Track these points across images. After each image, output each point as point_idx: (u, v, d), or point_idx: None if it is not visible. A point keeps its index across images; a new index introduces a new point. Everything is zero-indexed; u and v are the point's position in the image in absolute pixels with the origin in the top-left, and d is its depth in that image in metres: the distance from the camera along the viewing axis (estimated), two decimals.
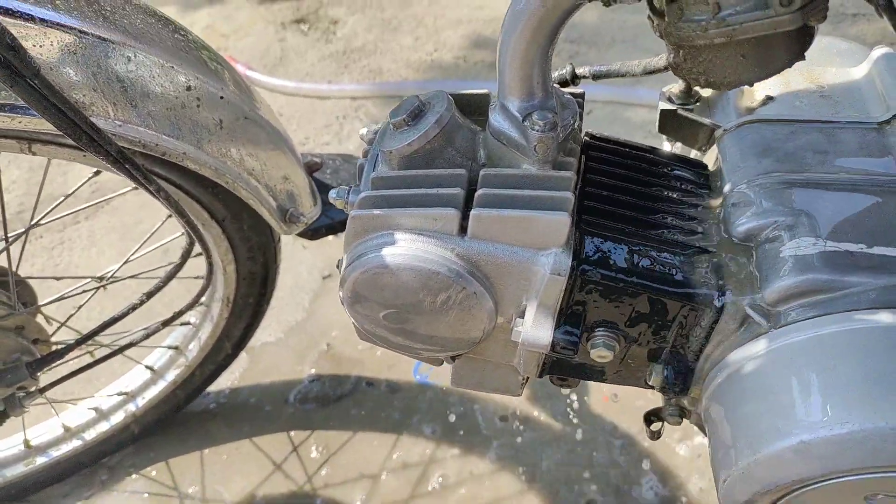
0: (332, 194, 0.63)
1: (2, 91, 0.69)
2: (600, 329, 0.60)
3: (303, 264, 1.59)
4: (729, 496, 0.54)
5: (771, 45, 0.46)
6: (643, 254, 0.58)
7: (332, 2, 2.31)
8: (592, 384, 1.31)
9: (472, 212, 0.56)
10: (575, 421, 1.26)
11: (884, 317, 0.50)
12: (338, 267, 0.69)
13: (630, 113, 1.81)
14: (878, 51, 0.68)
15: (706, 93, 0.70)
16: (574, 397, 1.30)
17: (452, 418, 1.29)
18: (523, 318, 0.60)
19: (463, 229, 0.58)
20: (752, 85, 0.51)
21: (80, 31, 0.71)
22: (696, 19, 0.45)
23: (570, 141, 0.59)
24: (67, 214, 1.06)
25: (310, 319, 1.48)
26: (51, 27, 0.70)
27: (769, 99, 0.67)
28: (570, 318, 0.60)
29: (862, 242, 0.53)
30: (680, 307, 0.57)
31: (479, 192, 0.57)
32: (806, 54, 0.66)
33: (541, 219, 0.55)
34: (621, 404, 1.26)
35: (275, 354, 1.43)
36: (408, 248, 0.57)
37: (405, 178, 0.59)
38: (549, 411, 1.29)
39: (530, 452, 1.23)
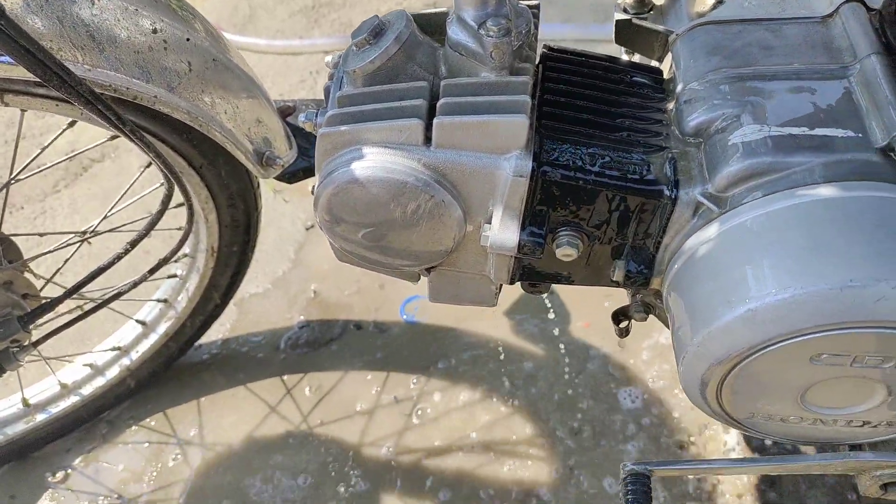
0: (300, 118, 0.65)
1: None
2: (564, 228, 0.63)
3: (285, 217, 1.61)
4: (688, 374, 0.58)
5: None
6: (601, 153, 0.61)
7: None
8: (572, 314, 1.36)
9: (435, 120, 0.59)
10: (560, 347, 1.31)
11: (824, 190, 0.53)
12: (312, 192, 0.72)
13: (600, 49, 1.83)
14: None
15: (659, 1, 0.73)
16: (556, 332, 1.34)
17: (446, 356, 1.33)
18: (491, 223, 0.63)
19: (428, 139, 0.60)
20: None
21: None
22: None
23: (525, 48, 0.61)
24: (49, 167, 1.07)
25: (296, 269, 1.51)
26: None
27: (719, 2, 0.69)
28: (535, 219, 0.63)
29: (804, 126, 0.57)
30: (637, 202, 0.60)
31: (441, 101, 0.59)
32: None
33: (500, 122, 0.57)
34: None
35: (263, 304, 1.46)
36: (376, 161, 0.60)
37: (369, 94, 0.61)
38: (533, 341, 1.33)
39: (518, 378, 1.28)
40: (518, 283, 0.73)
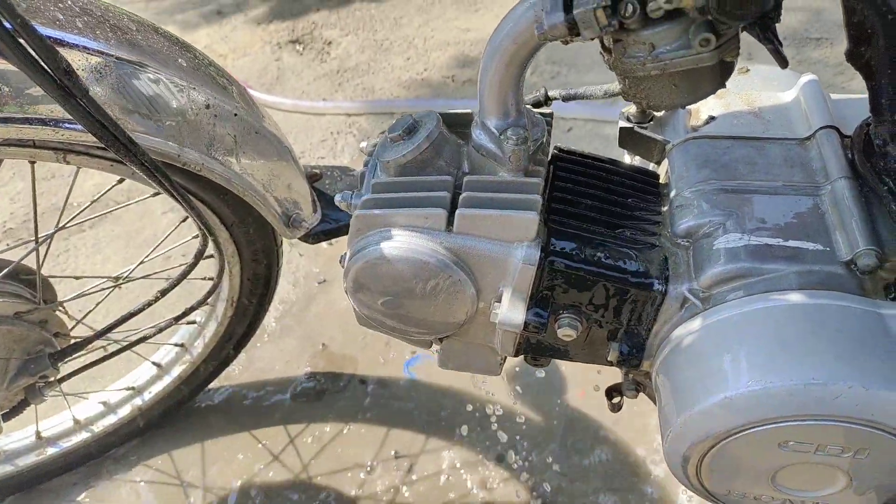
0: (337, 198, 0.74)
1: (42, 106, 0.79)
2: (566, 312, 0.71)
3: (300, 270, 1.69)
4: (671, 450, 0.65)
5: (697, 77, 0.58)
6: (601, 248, 0.69)
7: (327, 24, 2.43)
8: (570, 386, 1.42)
9: (458, 211, 0.67)
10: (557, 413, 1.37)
11: (793, 297, 0.61)
12: (341, 262, 0.79)
13: (608, 130, 1.94)
14: (805, 77, 0.80)
15: (659, 113, 0.82)
16: (554, 397, 1.40)
17: (443, 413, 1.38)
18: (500, 302, 0.70)
19: (449, 226, 0.68)
20: (684, 108, 0.62)
21: (114, 58, 0.82)
22: (636, 56, 0.57)
23: (539, 153, 0.70)
24: (90, 219, 1.15)
25: (306, 321, 1.58)
26: (91, 54, 0.80)
27: (712, 118, 0.78)
28: (540, 302, 0.70)
29: (779, 237, 0.65)
30: (631, 293, 0.68)
31: (464, 194, 0.68)
32: (746, 80, 0.78)
33: (514, 217, 0.66)
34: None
35: (273, 353, 1.52)
36: (402, 242, 0.68)
37: (400, 184, 0.70)
38: (531, 406, 1.39)
39: (514, 440, 1.33)
40: (521, 357, 0.80)
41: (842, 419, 0.57)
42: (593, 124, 1.94)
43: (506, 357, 0.81)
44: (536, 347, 0.77)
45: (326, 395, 1.43)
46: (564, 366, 1.44)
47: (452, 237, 0.68)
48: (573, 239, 0.69)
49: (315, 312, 1.60)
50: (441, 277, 0.69)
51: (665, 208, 0.74)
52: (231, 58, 2.33)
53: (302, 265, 1.70)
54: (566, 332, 0.70)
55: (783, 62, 0.54)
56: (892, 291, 0.61)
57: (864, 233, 0.62)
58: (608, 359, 0.74)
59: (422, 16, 2.43)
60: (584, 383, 1.40)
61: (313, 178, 1.23)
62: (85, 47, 0.80)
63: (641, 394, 0.81)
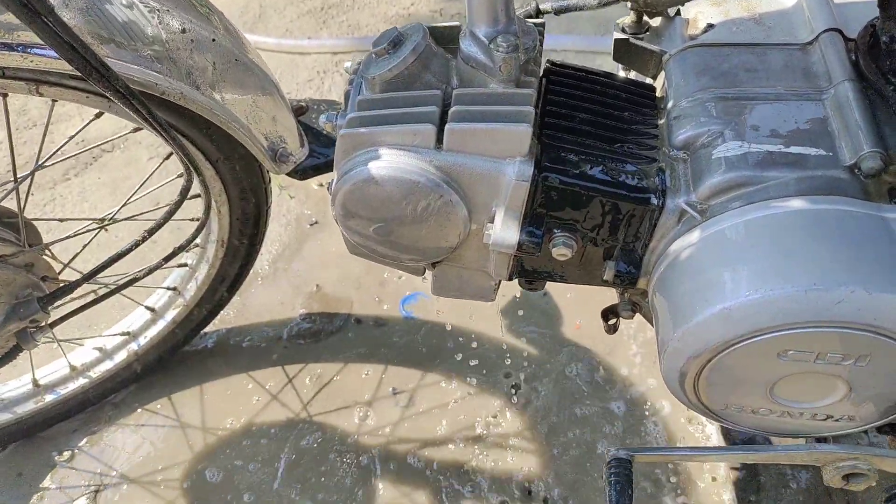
0: (322, 118, 0.71)
1: (14, 33, 0.75)
2: (560, 230, 0.69)
3: (291, 212, 1.66)
4: (668, 367, 0.64)
5: None
6: (596, 162, 0.67)
7: None
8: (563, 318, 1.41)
9: (447, 126, 0.64)
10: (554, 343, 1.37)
11: (795, 203, 0.59)
12: (328, 189, 0.77)
13: (600, 60, 1.89)
14: None
15: (655, 23, 0.78)
16: (547, 328, 1.39)
17: (439, 349, 1.38)
18: (493, 222, 0.68)
19: (439, 143, 0.66)
20: (682, 4, 0.59)
21: None
22: None
23: (531, 63, 0.67)
24: (71, 157, 1.12)
25: (299, 263, 1.56)
26: None
27: (710, 27, 0.75)
28: (534, 220, 0.68)
29: (780, 143, 0.62)
30: (628, 208, 0.66)
31: (453, 109, 0.65)
32: None
33: (505, 130, 0.63)
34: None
35: (267, 296, 1.51)
36: (391, 161, 0.66)
37: (387, 100, 0.67)
38: (528, 335, 1.38)
39: (515, 374, 1.33)
40: (516, 281, 0.79)
41: (843, 325, 0.55)
42: (584, 56, 1.89)
43: (500, 282, 0.79)
44: (531, 270, 0.75)
45: (322, 336, 1.43)
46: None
47: (442, 154, 0.66)
48: (567, 153, 0.66)
49: (308, 254, 1.58)
50: (432, 198, 0.67)
51: (662, 120, 0.71)
52: None
53: (293, 207, 1.67)
54: (561, 251, 0.69)
55: None
56: None
57: (869, 135, 0.60)
58: (604, 278, 0.72)
59: None
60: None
61: (299, 111, 1.19)
62: None
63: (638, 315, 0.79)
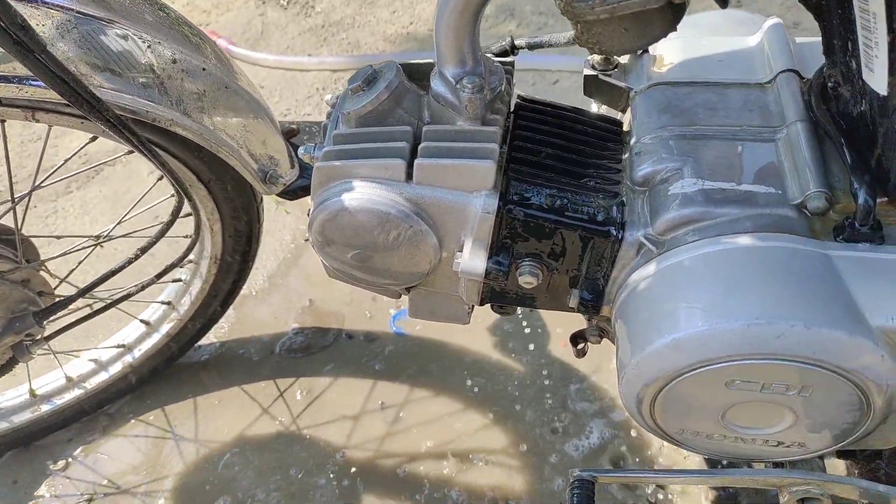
0: (300, 150, 0.74)
1: (10, 64, 0.79)
2: (526, 259, 0.72)
3: (286, 228, 1.70)
4: (626, 391, 0.67)
5: (646, 19, 0.57)
6: (559, 196, 0.70)
7: None
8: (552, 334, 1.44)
9: (416, 161, 0.68)
10: (539, 362, 1.39)
11: (743, 240, 0.61)
12: (307, 215, 0.80)
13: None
14: (770, 21, 0.79)
15: (624, 60, 0.81)
16: (532, 347, 1.42)
17: (431, 367, 1.41)
18: (462, 251, 0.71)
19: (409, 176, 0.69)
20: (637, 52, 0.62)
21: (76, 12, 0.81)
22: (585, 0, 0.56)
23: (497, 102, 0.71)
24: (68, 177, 1.16)
25: (293, 278, 1.60)
26: (51, 8, 0.80)
27: (674, 64, 0.78)
28: (501, 250, 0.71)
29: (733, 181, 0.65)
30: (589, 239, 0.69)
31: (422, 144, 0.68)
32: (712, 24, 0.77)
33: (471, 166, 0.66)
34: None
35: (261, 310, 1.54)
36: (363, 193, 0.69)
37: (361, 135, 0.70)
38: (510, 351, 1.41)
39: (501, 393, 1.36)
40: (489, 305, 0.82)
41: (785, 358, 0.58)
42: (578, 76, 1.92)
43: (473, 306, 0.82)
44: (500, 295, 0.78)
45: (314, 350, 1.46)
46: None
47: (412, 187, 0.69)
48: (531, 187, 0.69)
49: (301, 269, 1.61)
50: (402, 228, 0.70)
51: (626, 156, 0.74)
52: (214, 13, 2.30)
53: (288, 222, 1.71)
54: (527, 279, 0.72)
55: (722, 3, 0.54)
56: (840, 233, 0.62)
57: (816, 175, 0.63)
58: (570, 305, 0.75)
59: None
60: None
61: (290, 133, 1.23)
62: (45, 2, 0.80)
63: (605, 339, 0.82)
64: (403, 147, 0.68)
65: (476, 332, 1.45)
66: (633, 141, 0.73)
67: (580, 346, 0.83)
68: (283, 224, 1.71)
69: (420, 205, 0.69)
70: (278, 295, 1.57)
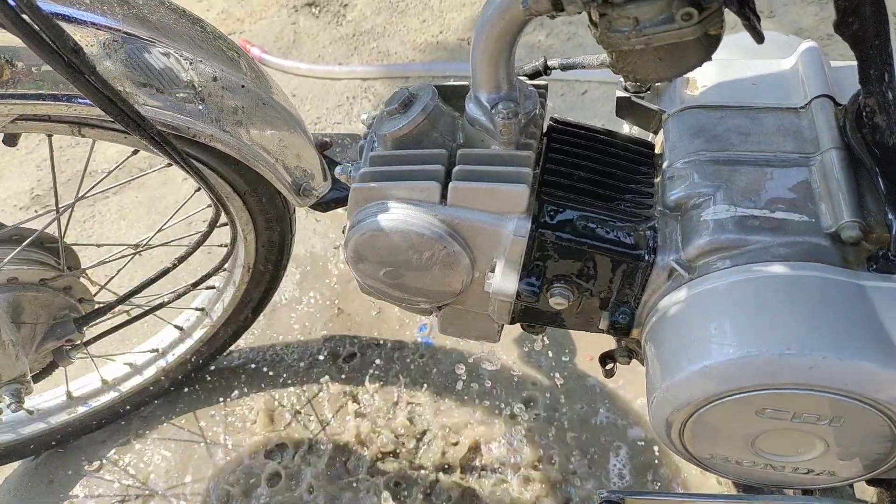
0: (337, 170, 0.76)
1: (59, 84, 0.82)
2: (557, 281, 0.73)
3: (316, 235, 1.72)
4: (656, 415, 0.67)
5: (681, 50, 0.58)
6: (592, 219, 0.70)
7: None
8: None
9: (451, 184, 0.69)
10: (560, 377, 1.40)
11: (776, 268, 0.62)
12: (343, 232, 0.82)
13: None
14: (805, 44, 0.79)
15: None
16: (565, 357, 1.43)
17: (461, 370, 1.41)
18: (494, 272, 0.73)
19: (443, 198, 0.70)
20: (671, 81, 0.63)
21: (123, 33, 0.84)
22: (620, 30, 0.57)
23: (531, 126, 0.72)
24: (109, 189, 1.19)
25: (323, 286, 1.62)
26: (99, 29, 0.83)
27: (708, 87, 0.78)
28: (532, 271, 0.72)
29: (766, 208, 0.65)
30: (621, 263, 0.70)
31: (457, 167, 0.69)
32: (745, 45, 0.78)
33: (504, 190, 0.67)
34: None
35: (290, 317, 1.56)
36: (398, 214, 0.70)
37: (397, 157, 0.72)
38: (540, 367, 1.42)
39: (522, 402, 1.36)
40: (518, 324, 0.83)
41: (816, 388, 0.58)
42: (607, 87, 1.93)
43: (503, 324, 0.83)
44: (531, 315, 0.79)
45: (342, 358, 1.48)
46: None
47: (446, 209, 0.70)
48: (564, 211, 0.70)
49: (331, 277, 1.63)
50: (436, 248, 0.71)
51: (658, 179, 0.75)
52: (248, 22, 2.33)
53: (318, 230, 1.73)
54: (558, 301, 0.73)
55: (759, 38, 0.54)
56: (874, 263, 0.62)
57: (850, 204, 0.63)
58: (600, 327, 0.76)
59: None
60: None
61: (323, 146, 1.25)
62: (93, 23, 0.83)
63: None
64: (439, 170, 0.70)
65: (504, 343, 1.45)
66: (665, 165, 0.73)
67: (609, 366, 0.83)
68: (312, 230, 1.73)
69: (454, 226, 0.71)
70: (308, 302, 1.59)
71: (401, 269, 0.75)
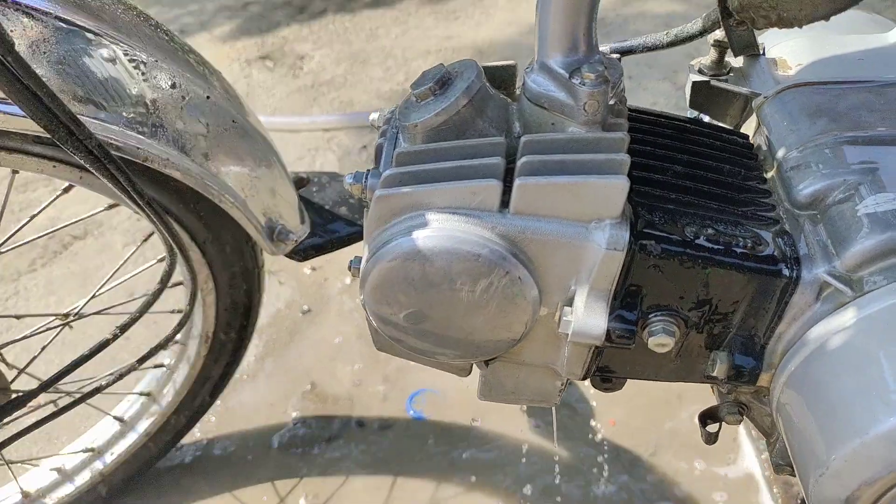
0: (347, 179, 0.56)
1: None
2: (657, 314, 0.53)
3: (280, 300, 1.50)
4: (827, 494, 0.47)
5: None
6: (705, 225, 0.52)
7: (298, 38, 2.27)
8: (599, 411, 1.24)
9: (516, 181, 0.50)
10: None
11: None
12: (349, 268, 0.62)
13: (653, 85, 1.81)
14: None
15: (737, 63, 0.67)
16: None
17: (463, 455, 1.19)
18: (572, 306, 0.53)
19: (504, 204, 0.51)
20: (827, 20, 0.47)
21: (55, 17, 0.64)
22: None
23: (617, 103, 0.54)
24: (35, 238, 0.95)
25: (290, 358, 1.39)
26: (23, 13, 0.63)
27: (804, 65, 0.63)
28: (625, 302, 0.53)
29: None
30: (753, 282, 0.51)
31: (522, 159, 0.50)
32: (832, 25, 0.63)
33: (595, 184, 0.48)
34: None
35: (254, 398, 1.32)
36: (442, 229, 0.50)
37: (436, 151, 0.52)
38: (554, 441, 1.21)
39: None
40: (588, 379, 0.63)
41: None
42: (628, 81, 1.81)
43: (568, 381, 0.63)
44: (614, 363, 0.59)
45: (319, 444, 1.24)
46: None
47: (509, 219, 0.51)
48: (667, 215, 0.52)
49: (300, 347, 1.40)
50: (496, 275, 0.51)
51: (771, 173, 0.58)
52: None
53: (283, 294, 1.51)
54: (660, 340, 0.53)
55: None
56: None
57: None
58: (709, 374, 0.56)
59: (399, 26, 2.29)
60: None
61: (299, 183, 1.06)
62: (23, 4, 0.63)
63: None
64: (498, 163, 0.50)
65: (508, 412, 1.24)
66: (780, 154, 0.57)
67: (710, 427, 0.63)
68: (276, 294, 1.51)
69: (519, 242, 0.51)
70: (274, 378, 1.35)
71: (441, 311, 0.54)
